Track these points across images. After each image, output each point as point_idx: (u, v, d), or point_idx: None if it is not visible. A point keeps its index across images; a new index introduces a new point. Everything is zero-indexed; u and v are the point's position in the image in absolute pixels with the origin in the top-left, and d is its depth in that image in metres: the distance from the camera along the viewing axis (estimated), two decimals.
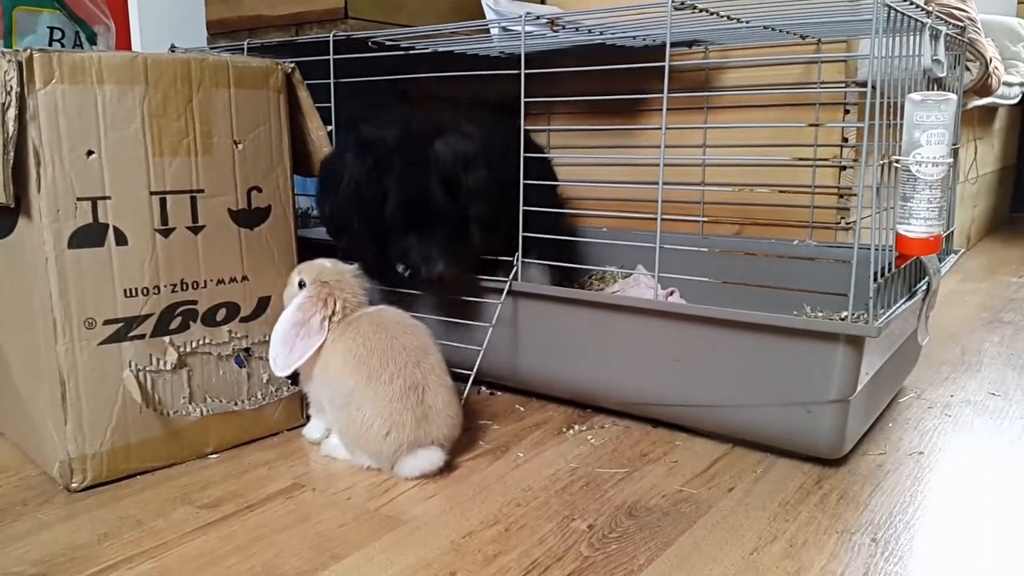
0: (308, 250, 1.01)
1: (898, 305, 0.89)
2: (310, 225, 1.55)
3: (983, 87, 1.75)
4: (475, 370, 1.03)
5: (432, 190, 0.95)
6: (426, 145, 0.97)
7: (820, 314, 1.12)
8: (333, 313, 0.89)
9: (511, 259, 1.03)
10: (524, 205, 1.02)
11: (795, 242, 1.24)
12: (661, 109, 0.92)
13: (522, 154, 1.02)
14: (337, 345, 0.88)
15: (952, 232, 1.11)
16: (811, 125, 1.25)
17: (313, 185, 1.55)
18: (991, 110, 2.31)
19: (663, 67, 0.91)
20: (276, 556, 0.71)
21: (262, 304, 0.95)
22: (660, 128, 0.92)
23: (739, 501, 0.81)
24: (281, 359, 0.88)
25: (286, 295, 0.94)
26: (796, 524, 0.76)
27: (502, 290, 1.03)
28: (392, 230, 0.98)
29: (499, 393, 1.11)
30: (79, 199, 0.80)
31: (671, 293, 1.22)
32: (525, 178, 1.02)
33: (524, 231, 1.02)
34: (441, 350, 0.92)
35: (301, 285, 0.92)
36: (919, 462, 0.90)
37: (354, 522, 0.77)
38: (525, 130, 1.04)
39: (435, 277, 0.97)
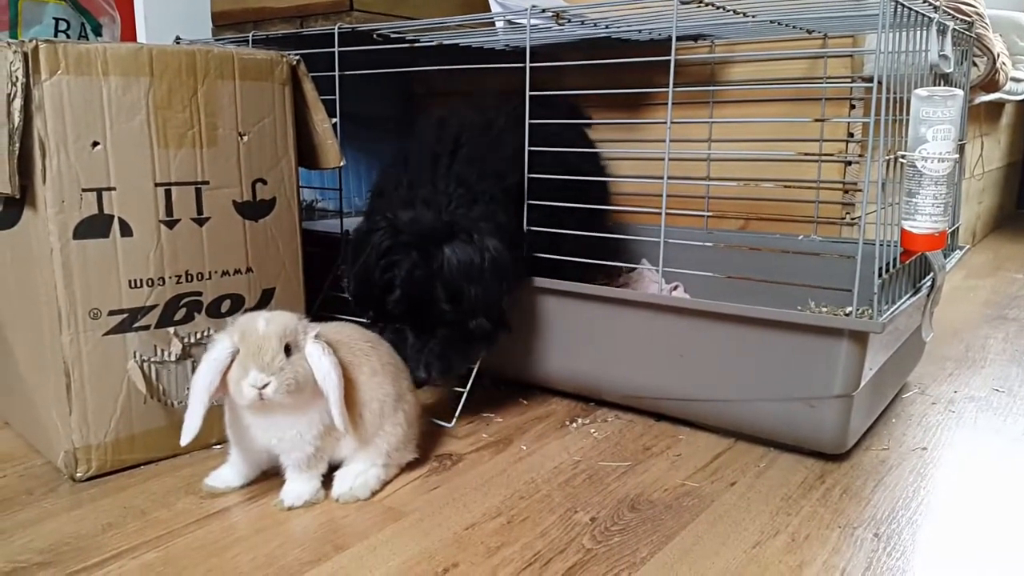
0: (312, 243, 1.01)
1: (902, 301, 0.89)
2: (314, 217, 1.55)
3: (990, 82, 1.74)
4: (478, 363, 1.03)
5: (435, 294, 0.92)
6: (440, 243, 0.93)
7: (824, 309, 1.12)
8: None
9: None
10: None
11: (800, 237, 1.24)
12: (666, 103, 0.91)
13: (527, 147, 1.02)
14: (359, 360, 0.81)
15: (957, 228, 1.11)
16: (817, 120, 1.25)
17: (318, 177, 1.55)
18: (998, 106, 2.31)
19: (669, 61, 0.91)
20: (279, 547, 0.71)
21: (266, 296, 0.95)
22: (665, 122, 0.92)
23: (741, 495, 0.81)
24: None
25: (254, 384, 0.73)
26: (798, 518, 0.76)
27: None
28: (394, 320, 0.96)
29: (503, 386, 1.11)
30: (84, 190, 0.80)
31: (675, 288, 1.22)
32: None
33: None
34: None
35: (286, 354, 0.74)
36: (922, 458, 0.90)
37: (357, 513, 0.77)
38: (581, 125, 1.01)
39: (420, 382, 0.93)
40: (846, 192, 1.31)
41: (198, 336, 0.89)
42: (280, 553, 0.70)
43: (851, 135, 1.30)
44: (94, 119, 0.80)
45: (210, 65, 0.87)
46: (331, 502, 0.79)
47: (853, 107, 1.30)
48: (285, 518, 0.76)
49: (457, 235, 0.92)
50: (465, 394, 1.00)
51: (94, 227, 0.81)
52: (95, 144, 0.80)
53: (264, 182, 0.93)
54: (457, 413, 0.99)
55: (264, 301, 0.94)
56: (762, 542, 0.72)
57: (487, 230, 0.94)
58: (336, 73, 1.17)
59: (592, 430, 0.97)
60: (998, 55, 1.71)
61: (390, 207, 0.97)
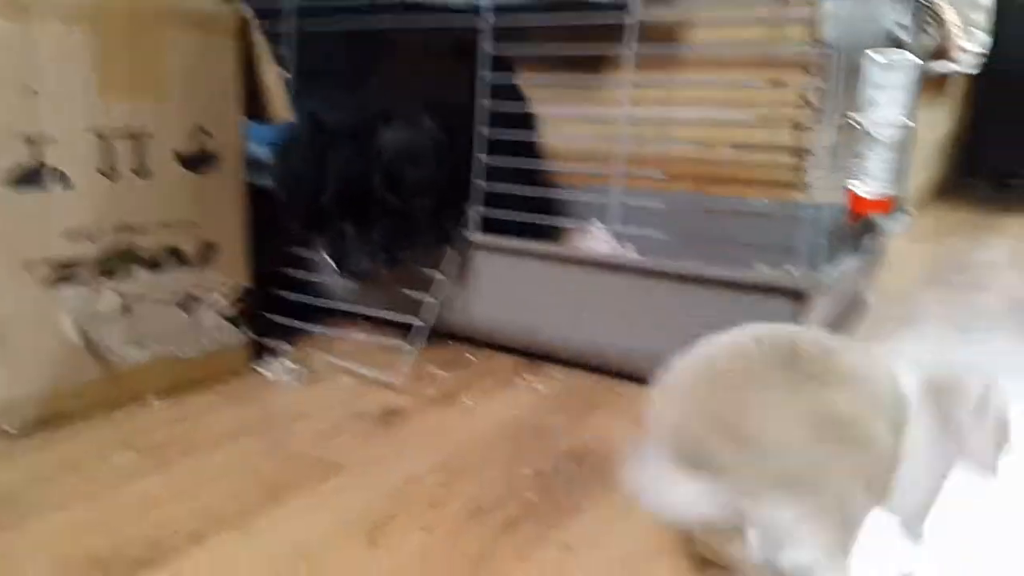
0: (256, 198, 0.99)
1: (847, 262, 0.90)
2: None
3: (942, 52, 1.76)
4: (431, 320, 1.02)
5: (373, 182, 0.90)
6: (375, 132, 0.92)
7: (773, 270, 1.13)
8: None
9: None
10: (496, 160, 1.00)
11: (751, 200, 1.24)
12: (623, 65, 0.91)
13: (485, 108, 1.01)
14: None
15: (904, 193, 1.12)
16: (772, 84, 1.25)
17: (264, 131, 1.52)
18: (948, 76, 2.34)
19: (627, 22, 0.90)
20: (217, 500, 0.70)
21: (208, 249, 0.93)
22: (621, 84, 0.92)
23: None
24: None
25: None
26: None
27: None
28: (329, 217, 0.95)
29: (450, 342, 1.11)
30: (19, 138, 0.77)
31: (624, 247, 1.22)
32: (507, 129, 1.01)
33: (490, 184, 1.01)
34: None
35: None
36: None
37: (297, 467, 0.76)
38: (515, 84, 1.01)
39: (363, 273, 0.93)
40: (798, 156, 1.32)
41: (137, 290, 0.87)
42: (218, 506, 0.69)
43: (805, 99, 1.30)
44: (31, 66, 0.77)
45: (156, 15, 0.84)
46: (274, 456, 0.78)
47: (809, 72, 1.30)
48: (222, 473, 0.75)
49: (394, 118, 0.91)
50: (410, 349, 1.00)
51: (29, 176, 0.78)
52: (32, 92, 0.77)
53: (209, 134, 0.91)
54: (402, 368, 0.98)
55: (206, 256, 0.93)
56: None
57: (424, 114, 0.93)
58: (292, 30, 1.14)
59: (538, 385, 0.97)
60: (951, 26, 1.73)
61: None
